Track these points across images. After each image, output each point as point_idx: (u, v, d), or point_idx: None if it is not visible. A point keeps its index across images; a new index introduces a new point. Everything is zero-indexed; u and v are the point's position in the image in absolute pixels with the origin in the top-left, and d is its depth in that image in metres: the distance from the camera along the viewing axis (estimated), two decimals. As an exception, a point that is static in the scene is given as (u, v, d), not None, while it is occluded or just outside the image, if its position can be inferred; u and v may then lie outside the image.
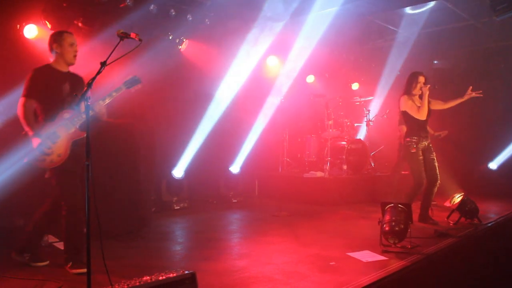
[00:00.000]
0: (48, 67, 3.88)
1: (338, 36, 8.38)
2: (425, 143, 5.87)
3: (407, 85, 5.89)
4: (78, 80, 4.06)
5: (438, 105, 6.01)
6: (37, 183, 4.77)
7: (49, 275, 3.69)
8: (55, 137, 3.69)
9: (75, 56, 3.92)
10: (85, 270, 3.57)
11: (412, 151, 5.78)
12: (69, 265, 3.79)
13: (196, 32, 7.32)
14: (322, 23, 7.80)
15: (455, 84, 10.07)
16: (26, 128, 3.72)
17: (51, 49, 3.89)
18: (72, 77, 4.00)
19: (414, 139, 5.80)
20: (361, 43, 9.52)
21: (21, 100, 3.76)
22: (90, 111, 3.70)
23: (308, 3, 7.17)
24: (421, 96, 5.83)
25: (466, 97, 5.91)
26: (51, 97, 3.80)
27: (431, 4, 7.34)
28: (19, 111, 3.75)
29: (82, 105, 3.94)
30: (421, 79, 5.81)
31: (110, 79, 4.46)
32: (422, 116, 5.77)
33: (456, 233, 5.15)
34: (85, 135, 3.79)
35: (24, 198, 4.98)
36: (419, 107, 5.77)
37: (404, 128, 7.34)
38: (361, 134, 9.75)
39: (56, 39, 3.87)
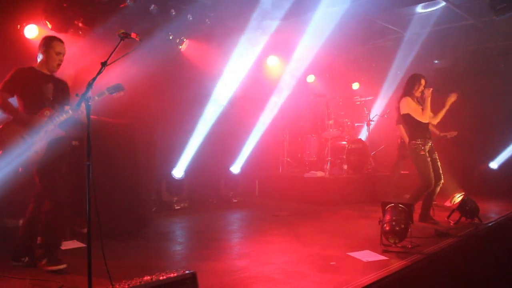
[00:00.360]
0: (31, 69, 3.92)
1: (339, 36, 8.37)
2: (430, 144, 5.88)
3: (408, 87, 5.88)
4: (62, 83, 4.09)
5: (429, 118, 6.03)
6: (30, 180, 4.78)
7: (50, 275, 3.69)
8: (34, 133, 3.71)
9: (59, 65, 3.97)
10: (61, 266, 3.73)
11: (421, 153, 5.78)
12: (44, 262, 3.80)
13: (197, 32, 7.32)
14: (324, 23, 7.79)
15: (455, 84, 10.09)
16: (7, 113, 3.76)
17: (38, 51, 3.93)
18: (55, 79, 4.03)
19: (419, 141, 5.80)
20: (361, 43, 9.51)
21: None
22: (74, 112, 3.77)
23: (310, 3, 7.15)
24: (420, 99, 5.85)
25: (447, 105, 5.92)
26: (31, 94, 3.84)
27: (442, 3, 7.31)
28: None
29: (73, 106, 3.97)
30: (423, 81, 5.83)
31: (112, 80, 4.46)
32: (425, 118, 5.79)
33: (456, 233, 5.16)
34: (63, 134, 3.87)
35: (21, 197, 4.97)
36: (422, 109, 5.78)
37: (401, 128, 7.39)
38: (362, 134, 9.76)
39: (45, 43, 3.91)
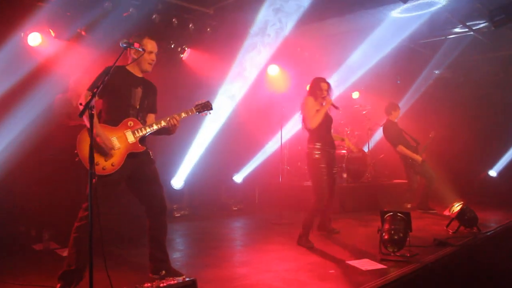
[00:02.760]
0: (121, 68, 3.68)
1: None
2: (330, 151, 5.36)
3: (312, 88, 5.41)
4: (151, 87, 3.88)
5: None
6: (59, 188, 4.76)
7: (50, 282, 3.71)
8: (114, 144, 3.49)
9: (151, 64, 3.74)
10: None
11: (315, 157, 5.21)
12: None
13: (198, 40, 7.39)
14: (326, 32, 7.89)
15: (455, 93, 10.18)
16: (87, 123, 3.38)
17: (129, 52, 3.73)
18: (145, 83, 3.82)
19: (317, 145, 5.26)
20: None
21: (83, 93, 3.55)
22: (164, 123, 3.65)
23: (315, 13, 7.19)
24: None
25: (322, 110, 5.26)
26: (119, 98, 3.61)
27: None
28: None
29: (150, 117, 3.84)
30: (324, 86, 5.34)
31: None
32: (312, 124, 5.19)
33: (455, 242, 5.17)
34: (144, 149, 3.65)
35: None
36: (317, 111, 5.23)
37: (402, 148, 7.48)
38: (361, 143, 9.79)
39: (136, 42, 3.60)
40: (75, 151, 3.45)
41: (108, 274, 3.03)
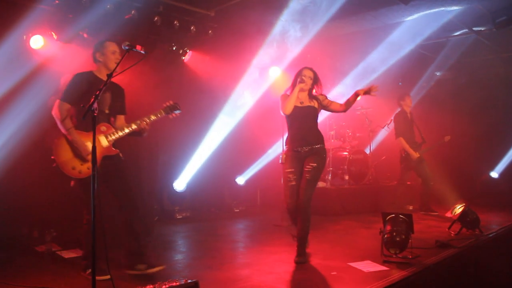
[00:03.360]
0: (90, 74, 3.87)
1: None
2: (299, 149, 4.68)
3: (294, 78, 4.85)
4: (119, 90, 4.05)
5: (337, 107, 5.01)
6: (61, 190, 4.80)
7: (52, 284, 3.72)
8: (89, 149, 3.61)
9: (116, 62, 3.82)
10: (105, 277, 3.54)
11: (280, 162, 4.77)
12: (88, 272, 3.79)
13: (199, 43, 7.40)
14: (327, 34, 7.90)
15: (456, 94, 10.19)
16: (64, 130, 3.66)
17: (94, 58, 3.91)
18: (114, 86, 3.98)
19: (284, 148, 4.87)
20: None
21: (56, 102, 3.73)
22: (135, 126, 3.81)
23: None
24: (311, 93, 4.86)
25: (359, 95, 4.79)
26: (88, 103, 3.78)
27: (446, 18, 7.40)
28: (55, 112, 3.70)
29: (120, 119, 4.01)
30: (306, 72, 4.78)
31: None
32: (284, 110, 4.63)
33: (457, 244, 5.16)
34: (117, 152, 3.84)
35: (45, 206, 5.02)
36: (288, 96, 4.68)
37: (402, 140, 7.45)
38: (363, 144, 9.78)
39: (98, 48, 3.89)
40: (52, 157, 3.61)
41: (111, 275, 3.04)
